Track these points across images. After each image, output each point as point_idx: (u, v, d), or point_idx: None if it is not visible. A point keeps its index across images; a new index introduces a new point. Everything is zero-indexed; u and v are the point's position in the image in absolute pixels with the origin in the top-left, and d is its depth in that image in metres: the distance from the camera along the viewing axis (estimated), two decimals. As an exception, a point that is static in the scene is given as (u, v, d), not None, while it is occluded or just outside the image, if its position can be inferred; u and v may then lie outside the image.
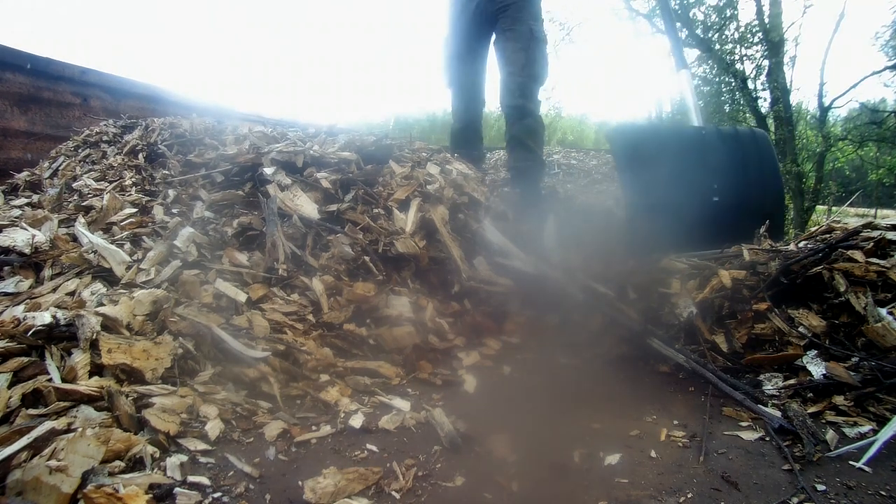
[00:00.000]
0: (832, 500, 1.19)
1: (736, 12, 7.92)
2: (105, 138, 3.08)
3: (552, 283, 2.31)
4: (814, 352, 1.84)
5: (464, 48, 3.47)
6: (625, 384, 1.89)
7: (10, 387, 1.21)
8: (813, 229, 2.81)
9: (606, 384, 1.88)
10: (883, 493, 1.20)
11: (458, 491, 1.24)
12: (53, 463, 1.00)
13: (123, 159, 2.73)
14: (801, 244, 2.48)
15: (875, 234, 2.15)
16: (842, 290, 1.95)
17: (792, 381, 1.75)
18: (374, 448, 1.38)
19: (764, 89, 7.76)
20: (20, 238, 1.84)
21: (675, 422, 1.62)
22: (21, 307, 1.53)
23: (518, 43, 3.24)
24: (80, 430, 1.10)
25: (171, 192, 2.37)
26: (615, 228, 2.79)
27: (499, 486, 1.26)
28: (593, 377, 1.93)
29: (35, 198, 2.45)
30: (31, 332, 1.37)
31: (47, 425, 1.10)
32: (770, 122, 7.77)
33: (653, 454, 1.42)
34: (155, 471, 1.13)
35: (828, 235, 2.43)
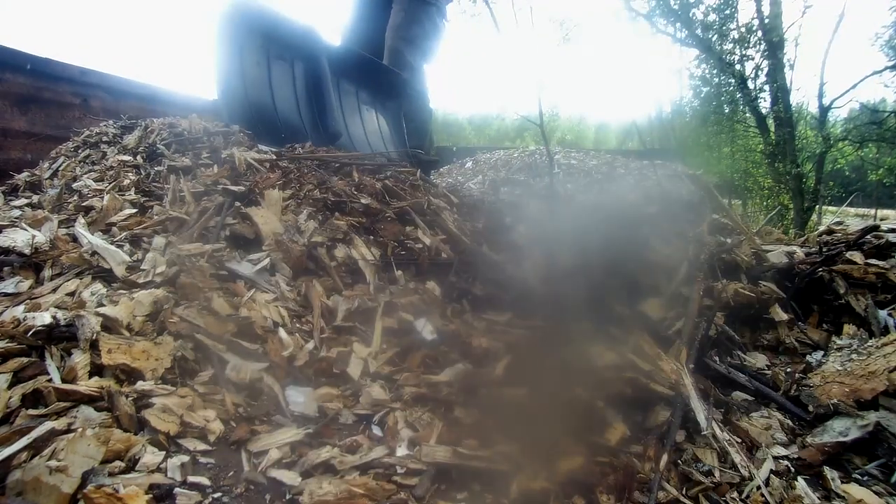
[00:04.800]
0: None
1: (735, 11, 7.91)
2: (105, 139, 3.08)
3: (552, 286, 2.30)
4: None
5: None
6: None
7: (10, 387, 1.22)
8: (814, 231, 2.81)
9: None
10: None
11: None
12: (53, 463, 1.00)
13: (123, 160, 2.73)
14: (802, 248, 2.48)
15: (881, 241, 2.13)
16: (842, 291, 1.95)
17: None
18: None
19: (762, 90, 7.76)
20: (20, 238, 1.84)
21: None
22: (21, 307, 1.53)
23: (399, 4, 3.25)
24: (80, 430, 1.10)
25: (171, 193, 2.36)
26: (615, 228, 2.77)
27: None
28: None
29: (35, 198, 2.45)
30: (31, 333, 1.37)
31: (47, 425, 1.11)
32: (770, 122, 7.76)
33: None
34: (155, 471, 1.13)
35: (828, 237, 2.43)
